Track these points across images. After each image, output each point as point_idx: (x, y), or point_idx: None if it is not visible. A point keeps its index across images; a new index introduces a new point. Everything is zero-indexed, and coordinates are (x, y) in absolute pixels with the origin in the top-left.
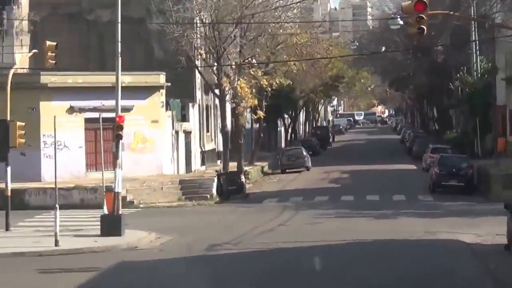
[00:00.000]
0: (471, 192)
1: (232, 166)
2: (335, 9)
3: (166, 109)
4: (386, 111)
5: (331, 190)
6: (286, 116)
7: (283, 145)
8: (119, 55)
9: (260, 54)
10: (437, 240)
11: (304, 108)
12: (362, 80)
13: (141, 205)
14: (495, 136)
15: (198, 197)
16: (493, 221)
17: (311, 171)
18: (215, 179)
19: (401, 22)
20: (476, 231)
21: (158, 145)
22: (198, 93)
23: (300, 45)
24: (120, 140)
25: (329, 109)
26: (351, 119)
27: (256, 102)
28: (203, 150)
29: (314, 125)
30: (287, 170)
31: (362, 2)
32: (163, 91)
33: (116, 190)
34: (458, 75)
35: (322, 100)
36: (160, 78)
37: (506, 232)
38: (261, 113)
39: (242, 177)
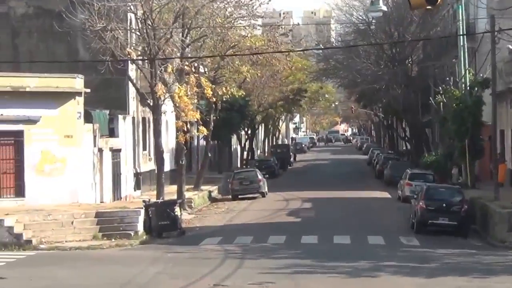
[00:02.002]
0: (466, 233)
1: (173, 191)
2: (298, 24)
3: (87, 122)
4: (350, 129)
5: (290, 227)
6: (242, 132)
7: (238, 165)
8: None
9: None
10: None
11: (263, 124)
12: (327, 95)
13: (42, 246)
14: (495, 161)
15: (119, 235)
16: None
17: (267, 197)
18: (142, 211)
19: (384, 8)
20: None
21: (73, 166)
22: (132, 104)
23: (256, 50)
24: None
25: (291, 126)
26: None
27: (198, 115)
28: (137, 172)
29: (274, 143)
30: (239, 196)
31: (326, 19)
32: (80, 99)
33: None
34: (440, 88)
35: (283, 116)
36: (76, 83)
37: None
38: (203, 130)
39: (176, 208)
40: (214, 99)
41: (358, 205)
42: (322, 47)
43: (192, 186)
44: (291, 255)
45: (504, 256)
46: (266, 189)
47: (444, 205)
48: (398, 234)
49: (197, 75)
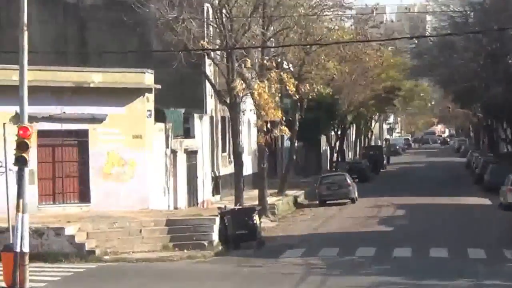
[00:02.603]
0: None
1: (255, 196)
2: (392, 21)
3: (158, 121)
4: (447, 130)
5: (381, 236)
6: (332, 133)
7: (328, 167)
8: (25, 27)
9: (291, 53)
10: None
11: (354, 125)
12: (421, 94)
13: (106, 257)
14: None
15: (192, 245)
16: None
17: (357, 203)
18: (217, 219)
19: None
20: None
21: (142, 169)
22: (210, 102)
23: (344, 44)
24: (25, 168)
25: (385, 126)
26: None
27: (279, 114)
28: (216, 175)
29: (366, 145)
30: (327, 202)
31: (421, 15)
32: (150, 96)
33: (16, 249)
34: None
35: (376, 117)
36: (146, 78)
37: None
38: (285, 129)
39: (255, 216)
40: (298, 97)
41: (455, 212)
42: (413, 36)
43: (276, 191)
44: (381, 271)
45: None
46: (356, 195)
47: None
48: (501, 247)
49: (278, 70)
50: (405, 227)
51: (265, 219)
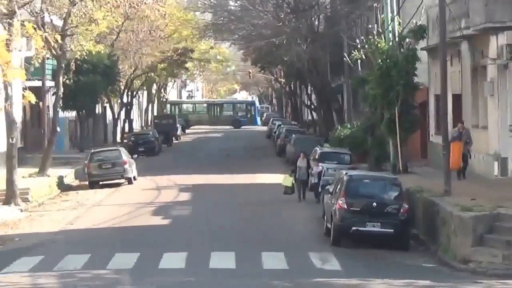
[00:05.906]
0: (407, 245)
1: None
2: None
3: None
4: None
5: (151, 235)
6: (119, 100)
7: (117, 140)
8: None
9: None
10: None
11: (146, 91)
12: (219, 57)
13: None
14: (445, 139)
15: None
16: None
17: (136, 183)
18: None
19: None
20: None
21: None
22: None
23: None
24: None
25: (185, 94)
26: None
27: (23, 75)
28: None
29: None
30: (100, 183)
31: None
32: None
33: None
34: (357, 41)
35: (172, 83)
36: None
37: None
38: (30, 96)
39: None
40: (53, 54)
41: (252, 196)
42: None
43: (38, 171)
44: None
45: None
46: (135, 173)
47: (374, 204)
48: (307, 248)
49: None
50: (185, 219)
51: (14, 208)
